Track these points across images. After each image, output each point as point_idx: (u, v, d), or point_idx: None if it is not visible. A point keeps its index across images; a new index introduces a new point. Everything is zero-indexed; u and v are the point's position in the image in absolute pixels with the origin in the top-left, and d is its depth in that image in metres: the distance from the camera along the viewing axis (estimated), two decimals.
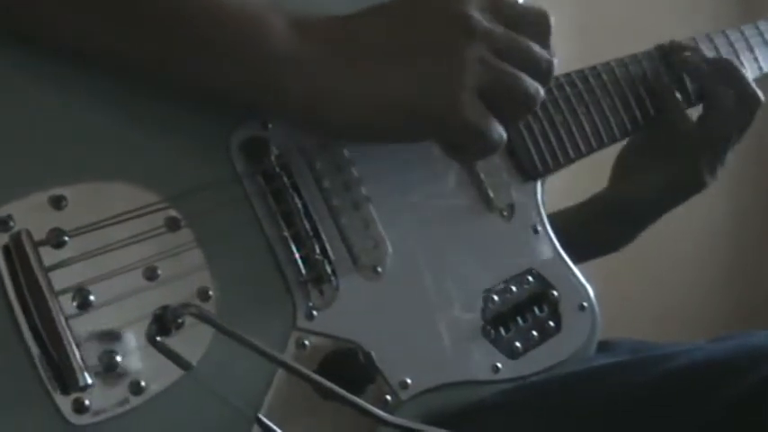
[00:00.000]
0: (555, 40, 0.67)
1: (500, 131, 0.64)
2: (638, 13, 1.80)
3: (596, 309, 0.78)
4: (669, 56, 0.89)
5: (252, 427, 0.61)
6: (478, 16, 0.63)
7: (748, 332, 0.69)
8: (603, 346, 0.79)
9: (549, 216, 0.78)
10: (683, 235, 1.89)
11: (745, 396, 0.61)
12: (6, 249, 0.57)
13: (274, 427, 0.62)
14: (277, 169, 0.66)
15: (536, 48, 0.65)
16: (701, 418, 0.63)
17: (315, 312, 0.66)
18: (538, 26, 0.66)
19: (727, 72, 0.88)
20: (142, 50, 0.60)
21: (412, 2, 0.64)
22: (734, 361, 0.65)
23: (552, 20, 0.67)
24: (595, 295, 0.78)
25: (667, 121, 0.88)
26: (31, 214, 0.58)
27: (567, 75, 0.83)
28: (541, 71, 0.65)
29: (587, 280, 0.78)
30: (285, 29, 0.61)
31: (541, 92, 0.65)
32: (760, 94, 0.88)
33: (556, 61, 0.66)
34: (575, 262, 0.79)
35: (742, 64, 0.92)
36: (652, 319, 1.77)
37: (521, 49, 0.65)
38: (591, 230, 0.94)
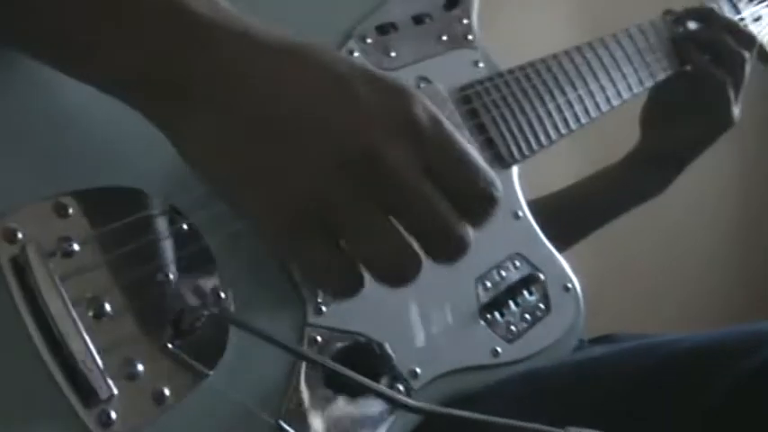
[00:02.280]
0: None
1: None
2: (637, 12, 1.81)
3: (578, 288, 0.80)
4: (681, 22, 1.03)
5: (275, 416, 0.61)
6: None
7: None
8: (608, 339, 0.82)
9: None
10: (693, 233, 1.93)
11: (745, 379, 0.62)
12: (15, 262, 0.54)
13: None
14: None
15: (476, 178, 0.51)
16: (701, 402, 0.64)
17: (323, 308, 0.65)
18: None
19: (723, 25, 1.02)
20: None
21: (366, 78, 0.51)
22: (734, 344, 0.66)
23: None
24: (582, 285, 0.81)
25: (695, 71, 1.00)
26: (36, 224, 0.55)
27: (542, 60, 0.85)
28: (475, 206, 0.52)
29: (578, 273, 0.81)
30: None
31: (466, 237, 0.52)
32: (753, 33, 1.03)
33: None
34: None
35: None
36: (662, 316, 1.79)
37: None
38: (630, 184, 1.02)
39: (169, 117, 0.52)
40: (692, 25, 1.04)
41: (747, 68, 1.01)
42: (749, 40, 1.02)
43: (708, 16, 1.03)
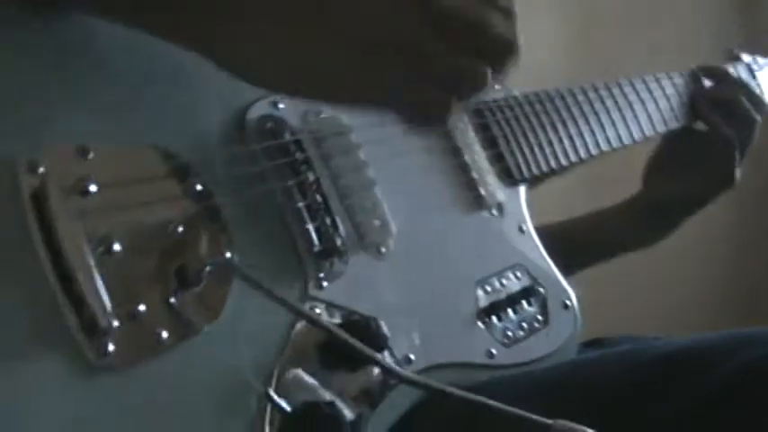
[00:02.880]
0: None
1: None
2: (635, 10, 1.80)
3: (577, 308, 0.82)
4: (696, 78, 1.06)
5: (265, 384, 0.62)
6: None
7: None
8: (599, 343, 0.82)
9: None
10: (685, 236, 1.93)
11: (724, 382, 0.63)
12: (34, 195, 0.57)
13: (282, 403, 0.62)
14: (291, 146, 0.68)
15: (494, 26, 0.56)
16: (684, 403, 0.65)
17: (325, 283, 0.67)
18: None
19: (739, 86, 1.06)
20: None
21: None
22: (714, 348, 0.68)
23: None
24: (578, 297, 0.82)
25: (707, 127, 1.03)
26: (58, 162, 0.58)
27: (556, 89, 0.89)
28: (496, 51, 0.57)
29: (573, 282, 0.83)
30: None
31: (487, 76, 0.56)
32: (765, 99, 1.06)
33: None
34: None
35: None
36: (654, 319, 1.77)
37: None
38: (629, 230, 1.04)
39: (203, 33, 0.56)
40: (707, 83, 1.07)
41: (756, 132, 1.04)
42: (761, 103, 1.05)
43: (724, 76, 1.07)
